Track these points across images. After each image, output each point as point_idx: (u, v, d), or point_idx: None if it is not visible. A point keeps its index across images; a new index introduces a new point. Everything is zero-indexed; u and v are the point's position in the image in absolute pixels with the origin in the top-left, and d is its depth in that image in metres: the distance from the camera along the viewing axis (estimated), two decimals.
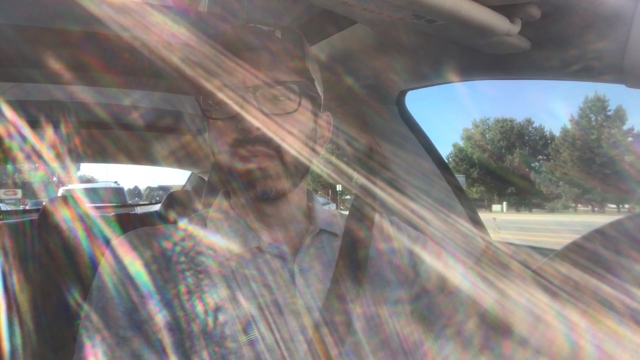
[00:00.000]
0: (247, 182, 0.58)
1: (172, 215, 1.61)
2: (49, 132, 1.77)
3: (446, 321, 0.63)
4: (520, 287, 0.52)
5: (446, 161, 1.30)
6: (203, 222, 0.63)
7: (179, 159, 2.48)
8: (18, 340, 1.17)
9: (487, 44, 0.74)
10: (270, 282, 0.57)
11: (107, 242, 1.35)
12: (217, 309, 0.53)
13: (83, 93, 1.59)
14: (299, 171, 0.61)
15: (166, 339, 0.51)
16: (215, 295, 0.54)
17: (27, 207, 11.16)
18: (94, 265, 1.32)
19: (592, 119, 31.68)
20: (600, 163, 29.99)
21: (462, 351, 0.59)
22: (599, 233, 0.47)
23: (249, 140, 0.56)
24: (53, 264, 1.36)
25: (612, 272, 0.44)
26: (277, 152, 0.57)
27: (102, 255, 0.57)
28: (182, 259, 0.56)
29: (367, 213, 0.66)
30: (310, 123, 0.62)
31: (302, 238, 0.63)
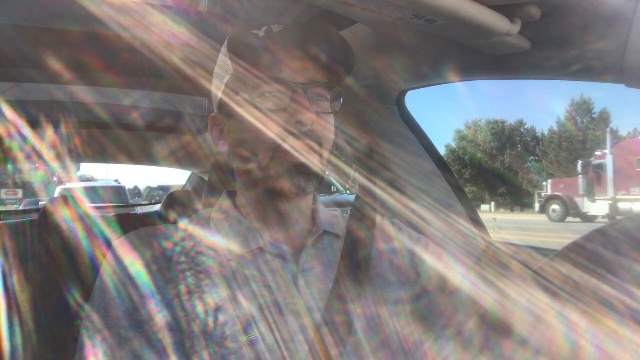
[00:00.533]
0: (290, 175, 0.58)
1: (172, 215, 1.61)
2: (49, 132, 1.77)
3: (446, 321, 0.63)
4: (520, 287, 0.52)
5: None
6: (203, 222, 0.63)
7: (179, 159, 2.48)
8: (18, 340, 1.17)
9: (487, 44, 0.74)
10: (270, 282, 0.57)
11: (107, 242, 1.35)
12: (218, 309, 0.53)
13: (83, 93, 1.59)
14: (324, 171, 0.62)
15: (166, 339, 0.51)
16: (216, 295, 0.54)
17: (19, 208, 10.45)
18: (94, 265, 1.32)
19: (578, 121, 32.55)
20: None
21: (462, 351, 0.59)
22: (599, 233, 0.47)
23: (300, 133, 0.57)
24: (53, 264, 1.35)
25: (612, 272, 0.44)
26: (320, 149, 0.59)
27: (102, 255, 0.57)
28: (183, 259, 0.56)
29: (368, 213, 0.66)
30: (333, 127, 0.64)
31: (303, 239, 0.63)
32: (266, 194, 0.61)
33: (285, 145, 0.57)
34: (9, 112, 1.55)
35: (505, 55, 0.79)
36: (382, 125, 1.21)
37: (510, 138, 36.91)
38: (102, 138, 2.03)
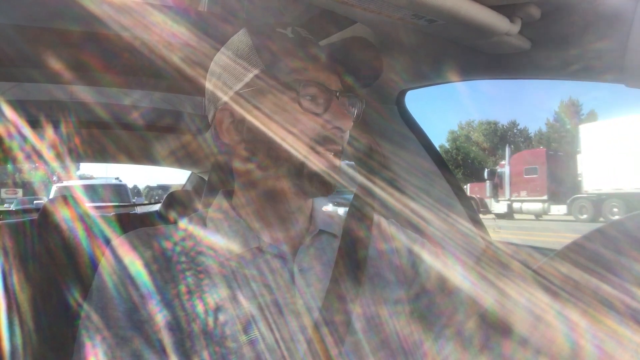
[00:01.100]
0: (319, 180, 0.58)
1: (172, 215, 1.61)
2: (49, 132, 1.77)
3: (446, 321, 0.63)
4: (520, 287, 0.52)
5: None
6: (203, 222, 0.63)
7: (179, 159, 2.48)
8: (18, 340, 1.17)
9: (487, 44, 0.74)
10: (270, 282, 0.57)
11: (107, 242, 1.35)
12: (218, 309, 0.53)
13: (83, 93, 1.59)
14: None
15: (166, 338, 0.51)
16: (216, 295, 0.54)
17: (11, 208, 9.78)
18: (94, 265, 1.31)
19: (567, 122, 33.24)
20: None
21: (462, 351, 0.59)
22: (600, 233, 0.47)
23: (334, 139, 0.59)
24: (53, 264, 1.35)
25: (612, 272, 0.44)
26: (341, 155, 0.61)
27: (102, 255, 0.57)
28: (183, 258, 0.56)
29: (367, 213, 0.66)
30: None
31: (302, 238, 0.63)
32: (269, 195, 0.61)
33: (320, 149, 0.58)
34: (9, 112, 1.55)
35: (505, 55, 0.79)
36: (382, 125, 1.21)
37: (502, 139, 37.46)
38: (102, 138, 2.03)
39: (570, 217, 15.33)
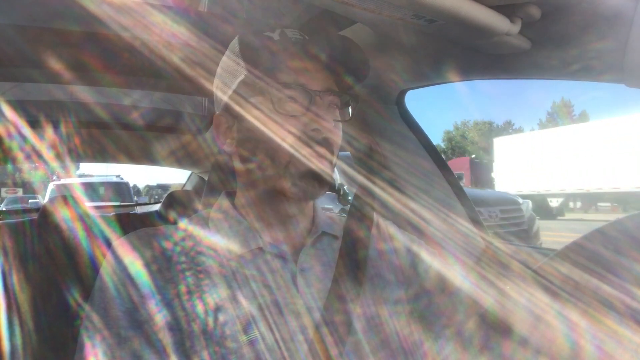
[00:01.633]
0: (304, 181, 0.58)
1: (172, 215, 1.61)
2: (49, 131, 1.77)
3: (446, 321, 0.63)
4: (520, 287, 0.52)
5: None
6: (203, 222, 0.63)
7: (179, 159, 2.48)
8: (18, 340, 1.17)
9: (487, 44, 0.74)
10: (270, 282, 0.57)
11: (107, 242, 1.35)
12: (218, 309, 0.53)
13: (83, 93, 1.59)
14: (333, 177, 0.62)
15: (166, 338, 0.51)
16: (216, 295, 0.54)
17: (1, 207, 9.29)
18: (94, 265, 1.31)
19: (560, 123, 33.74)
20: None
21: (462, 351, 0.59)
22: (600, 233, 0.47)
23: (316, 141, 0.58)
24: (53, 264, 1.35)
25: (612, 272, 0.44)
26: (331, 157, 0.60)
27: (102, 255, 0.57)
28: (183, 258, 0.56)
29: (367, 213, 0.66)
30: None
31: (302, 239, 0.63)
32: (269, 196, 0.61)
33: (302, 152, 0.57)
34: (9, 112, 1.55)
35: (505, 55, 0.79)
36: (382, 125, 1.21)
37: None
38: (102, 138, 2.03)
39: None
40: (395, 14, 0.66)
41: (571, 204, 15.51)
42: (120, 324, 0.52)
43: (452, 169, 1.28)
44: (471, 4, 0.64)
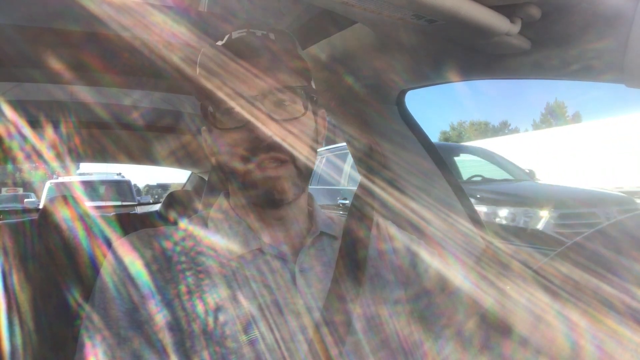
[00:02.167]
0: (265, 190, 0.57)
1: (172, 215, 1.61)
2: (49, 131, 1.77)
3: (446, 321, 0.63)
4: (520, 287, 0.52)
5: None
6: (203, 223, 0.63)
7: (179, 159, 2.48)
8: (18, 340, 1.17)
9: (487, 44, 0.74)
10: (270, 283, 0.57)
11: (107, 242, 1.35)
12: (218, 309, 0.53)
13: (83, 93, 1.59)
14: (308, 175, 0.61)
15: (167, 338, 0.51)
16: (216, 295, 0.54)
17: None
18: (94, 265, 1.31)
19: (553, 123, 34.23)
20: None
21: (462, 351, 0.59)
22: (600, 233, 0.47)
23: (262, 148, 0.55)
24: (53, 264, 1.35)
25: (612, 272, 0.44)
26: (290, 158, 0.57)
27: (102, 255, 0.57)
28: (183, 259, 0.56)
29: (367, 213, 0.66)
30: (313, 124, 0.62)
31: (302, 239, 0.63)
32: (249, 202, 0.61)
33: (248, 166, 0.56)
34: (9, 112, 1.55)
35: (505, 55, 0.79)
36: (382, 125, 1.21)
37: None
38: (102, 138, 2.03)
39: None
40: (395, 14, 0.66)
41: None
42: (120, 324, 0.52)
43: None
44: (471, 4, 0.64)
